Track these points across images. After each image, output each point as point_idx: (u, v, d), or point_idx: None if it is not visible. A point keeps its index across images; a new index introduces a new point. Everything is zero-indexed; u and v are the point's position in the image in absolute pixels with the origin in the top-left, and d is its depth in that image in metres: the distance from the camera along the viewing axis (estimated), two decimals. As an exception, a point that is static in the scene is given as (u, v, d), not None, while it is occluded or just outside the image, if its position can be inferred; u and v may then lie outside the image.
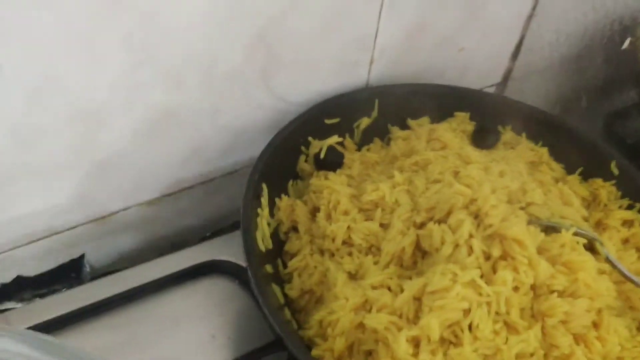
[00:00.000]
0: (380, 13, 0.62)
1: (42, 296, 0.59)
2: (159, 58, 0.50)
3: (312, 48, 0.59)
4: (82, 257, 0.60)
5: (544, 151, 0.66)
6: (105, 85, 0.49)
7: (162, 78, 0.51)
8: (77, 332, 0.56)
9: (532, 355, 0.46)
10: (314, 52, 0.60)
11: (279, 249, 0.56)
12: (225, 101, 0.58)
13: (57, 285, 0.60)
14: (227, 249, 0.62)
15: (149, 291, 0.59)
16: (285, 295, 0.53)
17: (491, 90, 0.83)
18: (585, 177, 0.65)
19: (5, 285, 0.57)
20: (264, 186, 0.56)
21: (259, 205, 0.54)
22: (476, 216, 0.51)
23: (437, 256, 0.49)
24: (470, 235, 0.49)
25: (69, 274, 0.60)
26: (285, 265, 0.55)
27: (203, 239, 0.68)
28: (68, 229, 0.57)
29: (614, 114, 0.78)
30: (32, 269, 0.58)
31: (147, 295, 0.59)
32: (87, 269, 0.61)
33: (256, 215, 0.54)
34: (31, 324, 0.55)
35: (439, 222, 0.51)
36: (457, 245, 0.49)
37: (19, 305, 0.58)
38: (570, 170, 0.66)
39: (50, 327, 0.55)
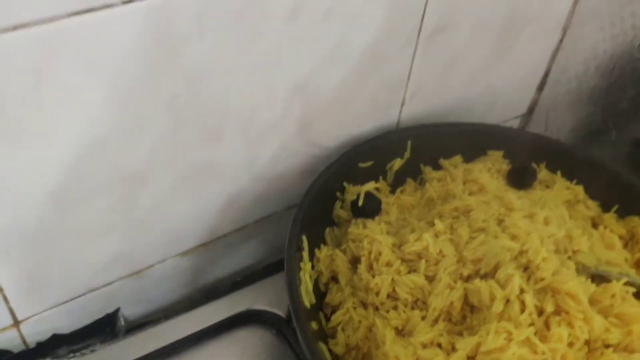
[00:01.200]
0: (414, 55, 0.61)
1: (76, 351, 0.58)
2: (200, 117, 0.49)
3: (347, 95, 0.59)
4: (117, 311, 0.59)
5: (580, 189, 0.66)
6: (148, 146, 0.48)
7: (202, 135, 0.51)
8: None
9: (590, 412, 0.45)
10: (349, 97, 0.60)
11: (319, 302, 0.55)
12: (261, 152, 0.57)
13: (91, 340, 0.59)
14: (261, 298, 0.62)
15: (185, 346, 0.59)
16: (330, 351, 0.52)
17: (516, 121, 0.83)
18: (622, 214, 0.65)
19: (40, 343, 0.56)
20: (304, 238, 0.55)
21: (301, 258, 0.54)
22: (526, 268, 0.51)
23: (487, 313, 0.48)
24: (522, 290, 0.48)
25: (104, 328, 0.59)
26: (327, 318, 0.54)
27: (235, 284, 0.67)
28: (105, 285, 0.56)
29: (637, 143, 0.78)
30: (67, 326, 0.57)
31: (183, 350, 0.59)
32: (122, 322, 0.60)
33: (299, 269, 0.53)
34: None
35: (486, 275, 0.50)
36: (508, 301, 0.48)
37: (55, 363, 0.57)
38: (605, 208, 0.65)
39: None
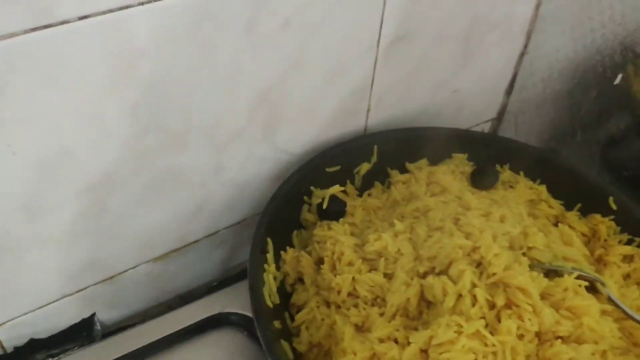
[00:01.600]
0: (375, 63, 0.63)
1: (54, 355, 0.60)
2: (163, 124, 0.51)
3: (312, 102, 0.61)
4: (93, 315, 0.61)
5: (543, 189, 0.67)
6: (114, 154, 0.50)
7: (166, 142, 0.53)
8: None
9: (539, 403, 0.47)
10: (314, 105, 0.62)
11: (285, 302, 0.57)
12: (229, 158, 0.59)
13: (69, 345, 0.61)
14: (234, 301, 0.64)
15: (159, 348, 0.60)
16: (294, 349, 0.53)
17: (486, 125, 0.85)
18: (584, 213, 0.67)
19: (18, 348, 0.58)
20: (269, 240, 0.57)
21: (265, 260, 0.56)
22: (479, 264, 0.52)
23: (441, 307, 0.50)
24: (474, 285, 0.50)
25: (81, 333, 0.61)
26: (292, 318, 0.56)
27: (210, 289, 0.69)
28: (79, 291, 0.58)
29: (608, 146, 0.80)
30: (44, 331, 0.59)
31: (158, 352, 0.60)
32: (98, 327, 0.62)
33: (262, 271, 0.55)
34: (45, 387, 0.56)
35: (441, 272, 0.52)
36: (460, 296, 0.50)
37: (33, 367, 0.59)
38: (569, 207, 0.67)
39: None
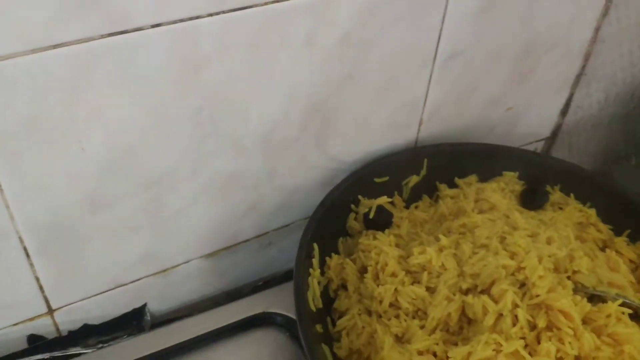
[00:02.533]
0: (430, 78, 0.64)
1: (105, 342, 0.63)
2: (223, 129, 0.54)
3: (364, 114, 0.62)
4: (144, 306, 0.64)
5: (592, 212, 0.67)
6: (175, 155, 0.53)
7: (225, 146, 0.55)
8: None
9: None
10: (366, 117, 0.63)
11: (328, 307, 0.58)
12: (281, 164, 0.61)
13: (119, 333, 0.64)
14: (279, 301, 0.65)
15: (205, 342, 0.62)
16: (334, 354, 0.55)
17: (540, 145, 0.84)
18: (633, 239, 0.66)
19: (72, 332, 0.61)
20: (315, 246, 0.58)
21: (311, 265, 0.57)
22: (522, 285, 0.52)
23: (481, 325, 0.50)
24: (515, 305, 0.50)
25: (131, 322, 0.64)
26: (334, 323, 0.57)
27: (256, 288, 0.71)
28: (133, 282, 0.61)
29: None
30: (97, 318, 0.62)
31: (202, 346, 0.62)
32: (148, 317, 0.64)
33: (308, 275, 0.56)
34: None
35: (483, 291, 0.52)
36: (500, 315, 0.50)
37: (84, 351, 0.62)
38: (618, 232, 0.66)
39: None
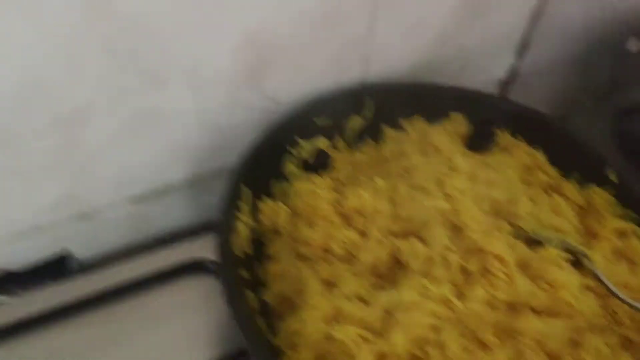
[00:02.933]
0: (374, 12, 0.60)
1: (29, 289, 0.60)
2: (141, 62, 0.49)
3: (303, 49, 0.58)
4: (68, 252, 0.61)
5: (540, 155, 0.64)
6: (88, 90, 0.49)
7: (145, 81, 0.51)
8: (61, 327, 0.57)
9: (504, 374, 0.45)
10: (306, 53, 0.59)
11: (258, 254, 0.56)
12: (211, 102, 0.57)
13: (44, 280, 0.60)
14: (211, 248, 0.62)
15: (134, 290, 0.60)
16: (263, 300, 0.52)
17: (494, 87, 0.81)
18: (583, 183, 0.63)
19: (-8, 278, 0.58)
20: (245, 188, 0.55)
21: (238, 208, 0.54)
22: (456, 228, 0.50)
23: (411, 270, 0.48)
24: (448, 249, 0.48)
25: (56, 269, 0.61)
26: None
27: (190, 235, 0.68)
28: (52, 225, 0.57)
29: (621, 118, 0.76)
30: (19, 265, 0.58)
31: (131, 293, 0.60)
32: (74, 263, 0.61)
33: (234, 218, 0.53)
34: (16, 318, 0.56)
35: (416, 234, 0.50)
36: (431, 259, 0.48)
37: (7, 299, 0.59)
38: (568, 177, 0.64)
39: (35, 322, 0.56)
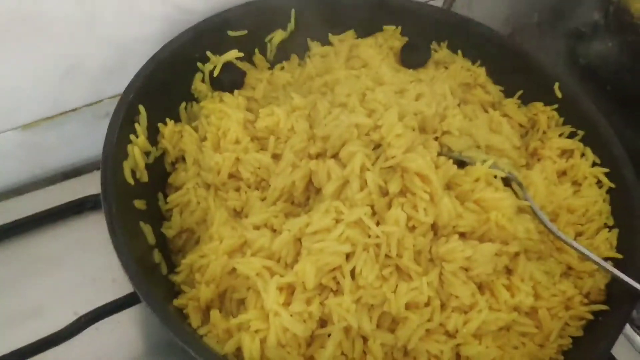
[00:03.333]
0: None
1: None
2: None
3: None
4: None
5: (481, 72, 0.59)
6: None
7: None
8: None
9: (427, 305, 0.41)
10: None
11: (162, 183, 0.50)
12: (101, 9, 0.50)
13: None
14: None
15: (24, 228, 0.53)
16: (161, 234, 0.46)
17: (437, 3, 0.74)
18: (526, 101, 0.58)
19: None
20: (142, 109, 0.49)
21: (132, 130, 0.47)
22: (378, 146, 0.45)
23: (326, 194, 0.42)
24: (366, 169, 0.42)
25: None
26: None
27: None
28: None
29: (572, 38, 0.70)
30: None
31: (21, 232, 0.53)
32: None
33: (127, 141, 0.47)
34: None
35: (334, 155, 0.44)
36: (347, 182, 0.42)
37: None
38: (510, 94, 0.59)
39: None
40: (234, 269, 0.41)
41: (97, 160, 0.59)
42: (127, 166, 0.46)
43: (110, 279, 0.52)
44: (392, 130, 0.44)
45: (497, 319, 0.41)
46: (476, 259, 0.41)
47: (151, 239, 0.45)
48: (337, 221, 0.40)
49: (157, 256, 0.44)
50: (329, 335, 0.39)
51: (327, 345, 0.38)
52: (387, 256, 0.40)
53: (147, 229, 0.45)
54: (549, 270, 0.46)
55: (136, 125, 0.48)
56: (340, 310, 0.38)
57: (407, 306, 0.40)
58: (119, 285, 0.51)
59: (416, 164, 0.42)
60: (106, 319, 0.46)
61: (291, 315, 0.38)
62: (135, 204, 0.45)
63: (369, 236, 0.40)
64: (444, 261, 0.41)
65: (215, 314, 0.40)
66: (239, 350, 0.38)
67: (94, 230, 0.55)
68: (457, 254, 0.41)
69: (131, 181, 0.46)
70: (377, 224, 0.41)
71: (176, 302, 0.41)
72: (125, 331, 0.49)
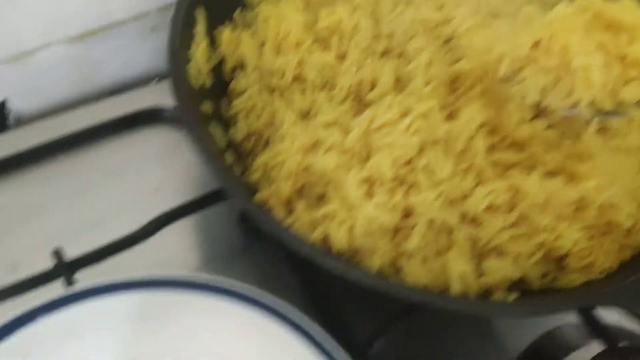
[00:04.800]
0: None
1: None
2: None
3: None
4: (3, 102, 0.55)
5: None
6: None
7: None
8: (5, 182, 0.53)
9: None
10: None
11: (223, 89, 0.51)
12: None
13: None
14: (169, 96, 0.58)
15: (82, 141, 0.56)
16: (232, 140, 0.48)
17: None
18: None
19: None
20: (201, 14, 0.49)
21: (191, 36, 0.48)
22: (448, 41, 0.45)
23: (395, 90, 0.44)
24: (434, 64, 0.43)
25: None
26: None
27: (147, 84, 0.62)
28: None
29: None
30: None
31: (79, 145, 0.56)
32: (12, 112, 0.56)
33: (188, 47, 0.47)
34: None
35: (400, 51, 0.45)
36: (412, 77, 0.43)
37: None
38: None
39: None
40: (308, 167, 0.43)
41: (147, 76, 0.62)
42: (191, 70, 0.47)
43: (171, 189, 0.54)
44: (462, 24, 0.44)
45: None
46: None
47: (222, 142, 0.46)
48: (404, 114, 0.41)
49: (229, 157, 0.46)
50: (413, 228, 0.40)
51: (412, 235, 0.40)
52: (460, 155, 0.41)
53: (218, 131, 0.46)
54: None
55: (196, 30, 0.48)
56: (424, 205, 0.40)
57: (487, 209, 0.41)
58: (179, 194, 0.53)
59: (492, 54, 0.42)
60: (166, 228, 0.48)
61: (376, 206, 0.40)
62: (202, 108, 0.47)
63: (437, 130, 0.41)
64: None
65: (301, 204, 0.42)
66: (324, 241, 0.40)
67: (152, 142, 0.57)
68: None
69: (197, 85, 0.47)
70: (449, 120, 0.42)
71: (258, 196, 0.43)
72: (184, 239, 0.51)
